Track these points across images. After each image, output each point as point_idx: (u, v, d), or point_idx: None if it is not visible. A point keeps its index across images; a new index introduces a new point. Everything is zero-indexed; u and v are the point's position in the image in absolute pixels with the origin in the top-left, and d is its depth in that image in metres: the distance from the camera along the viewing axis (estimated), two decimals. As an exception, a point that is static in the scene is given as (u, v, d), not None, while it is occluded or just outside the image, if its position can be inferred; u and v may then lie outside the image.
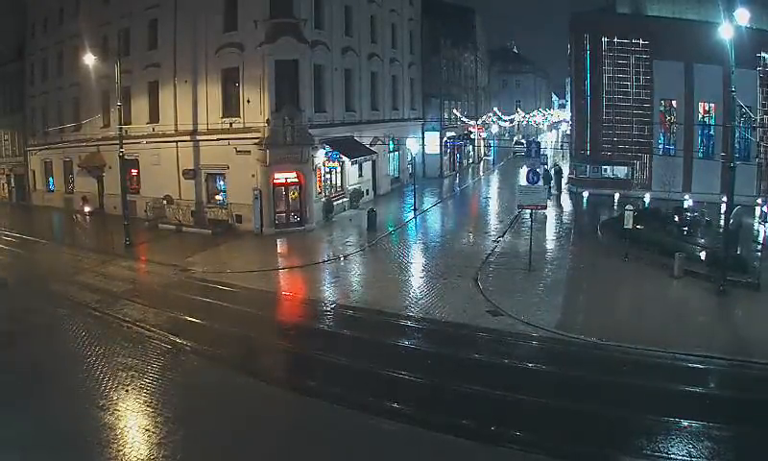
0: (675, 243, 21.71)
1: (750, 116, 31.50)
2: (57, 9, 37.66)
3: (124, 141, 26.43)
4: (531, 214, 21.58)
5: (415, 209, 31.80)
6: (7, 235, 30.96)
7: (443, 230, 29.32)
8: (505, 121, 70.33)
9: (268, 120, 26.61)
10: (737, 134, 27.88)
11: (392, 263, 22.41)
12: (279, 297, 19.26)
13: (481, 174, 52.61)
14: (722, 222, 21.31)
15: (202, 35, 28.32)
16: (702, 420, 10.57)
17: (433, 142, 44.57)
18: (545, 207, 21.98)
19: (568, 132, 55.52)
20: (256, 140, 26.85)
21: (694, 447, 9.91)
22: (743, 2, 19.16)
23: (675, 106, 36.84)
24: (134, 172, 32.20)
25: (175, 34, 29.42)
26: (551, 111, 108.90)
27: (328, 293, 18.93)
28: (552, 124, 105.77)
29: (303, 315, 17.96)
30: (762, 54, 33.31)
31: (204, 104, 28.61)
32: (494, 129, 62.68)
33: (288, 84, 27.10)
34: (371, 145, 33.53)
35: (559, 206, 34.16)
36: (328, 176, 30.93)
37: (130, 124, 29.94)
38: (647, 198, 32.32)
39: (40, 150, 41.57)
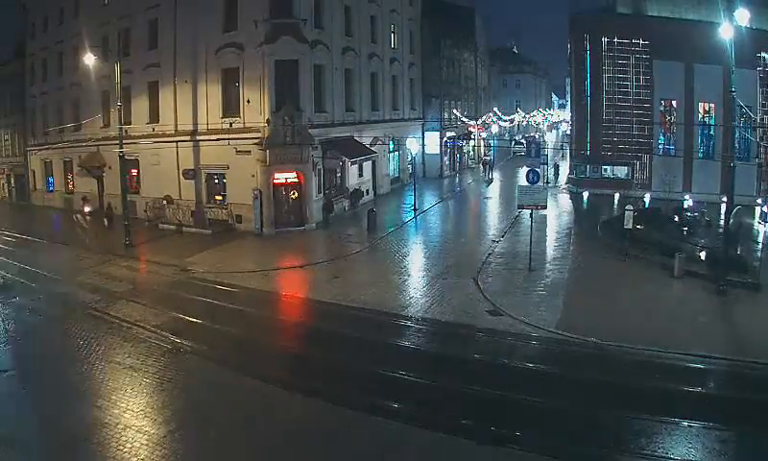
0: (675, 243, 21.71)
1: (750, 116, 31.51)
2: (57, 9, 37.64)
3: (124, 141, 26.43)
4: (531, 214, 21.59)
5: (415, 209, 31.77)
6: (7, 235, 30.93)
7: (442, 230, 29.31)
8: (505, 121, 70.28)
9: (268, 120, 26.60)
10: (737, 134, 27.86)
11: (392, 263, 22.41)
12: (279, 297, 19.25)
13: (481, 174, 52.56)
14: (722, 222, 21.31)
15: (202, 35, 28.30)
16: (702, 420, 10.57)
17: (433, 142, 44.56)
18: (545, 207, 21.99)
19: (568, 132, 55.50)
20: (256, 140, 26.84)
21: (694, 447, 9.92)
22: (743, 2, 19.17)
23: (675, 106, 36.83)
24: (134, 172, 32.18)
25: (175, 34, 29.41)
26: (551, 111, 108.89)
27: (328, 293, 18.87)
28: (552, 124, 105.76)
29: (303, 315, 17.97)
30: (762, 54, 33.30)
31: (204, 104, 28.59)
32: (494, 129, 62.66)
33: (288, 84, 27.09)
34: (371, 145, 33.52)
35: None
36: (328, 176, 30.92)
37: (130, 124, 29.94)
38: (647, 198, 32.31)
39: (40, 150, 41.56)
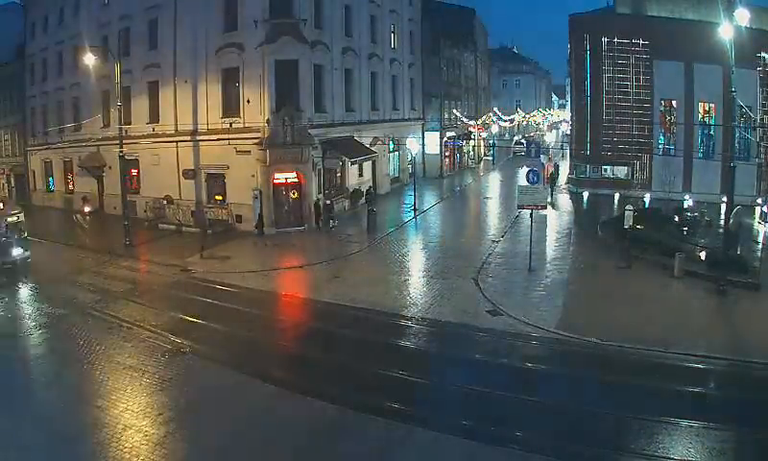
0: (675, 243, 21.70)
1: (750, 116, 31.54)
2: (57, 9, 37.63)
3: (124, 141, 26.45)
4: (531, 214, 21.58)
5: (415, 209, 31.77)
6: (7, 235, 30.87)
7: (442, 230, 29.29)
8: (505, 121, 70.32)
9: (268, 120, 26.60)
10: (737, 134, 27.86)
11: (392, 263, 22.41)
12: (279, 297, 19.24)
13: (481, 174, 52.60)
14: (722, 222, 21.30)
15: (202, 35, 28.30)
16: (702, 420, 10.56)
17: (433, 142, 44.59)
18: (545, 207, 21.98)
19: (568, 132, 55.52)
20: (256, 140, 26.85)
21: (694, 447, 9.92)
22: (743, 2, 19.18)
23: (675, 106, 36.85)
24: (134, 172, 32.16)
25: (175, 34, 29.40)
26: (551, 111, 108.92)
27: (328, 293, 18.88)
28: (552, 124, 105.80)
29: (303, 315, 17.96)
30: (762, 54, 33.32)
31: (204, 104, 28.59)
32: (494, 129, 62.70)
33: (288, 84, 27.09)
34: (371, 145, 33.52)
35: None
36: (328, 176, 30.92)
37: (130, 124, 29.94)
38: (647, 198, 32.30)
39: (40, 150, 41.56)
